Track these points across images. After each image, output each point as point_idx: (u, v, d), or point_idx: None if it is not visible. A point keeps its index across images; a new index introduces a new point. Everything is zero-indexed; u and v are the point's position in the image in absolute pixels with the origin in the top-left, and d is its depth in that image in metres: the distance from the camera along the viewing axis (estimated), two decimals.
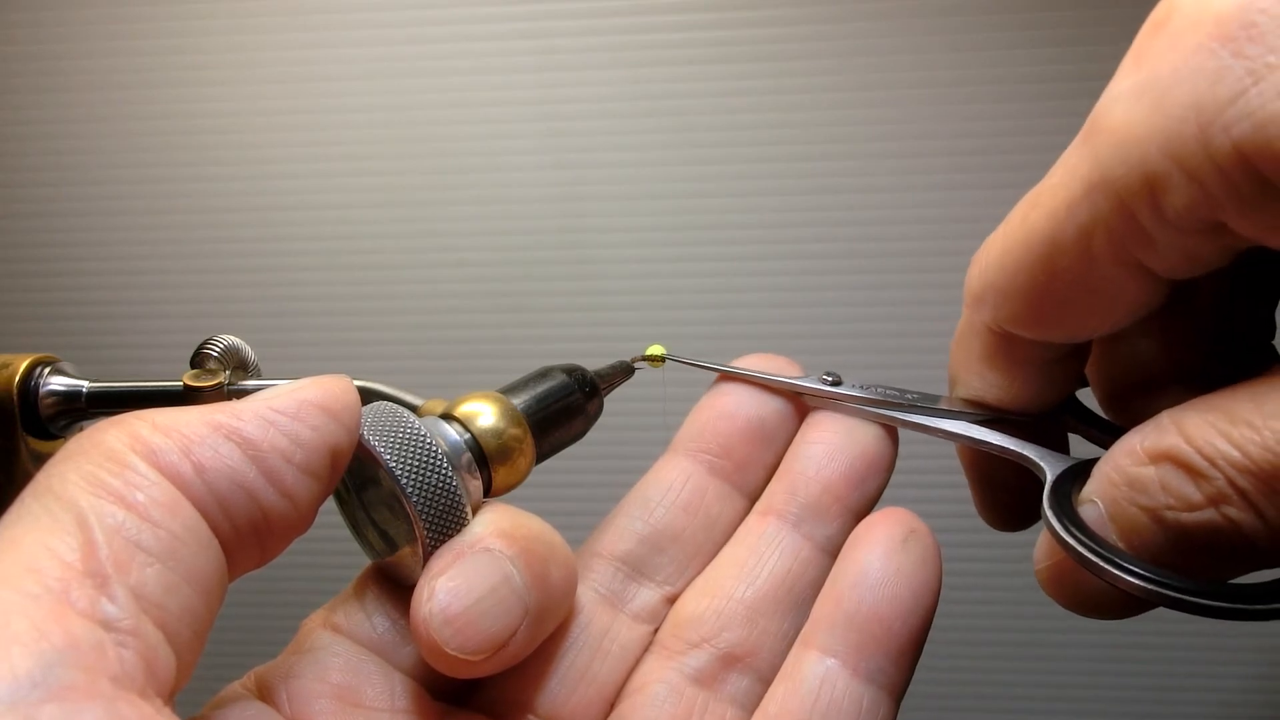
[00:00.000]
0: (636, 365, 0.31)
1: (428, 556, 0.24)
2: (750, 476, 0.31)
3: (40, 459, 0.38)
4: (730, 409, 0.31)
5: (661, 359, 0.33)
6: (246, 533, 0.21)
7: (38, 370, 0.38)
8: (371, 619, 0.26)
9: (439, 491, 0.24)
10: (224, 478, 0.20)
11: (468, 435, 0.26)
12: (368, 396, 0.31)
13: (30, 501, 0.19)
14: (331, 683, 0.24)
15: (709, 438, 0.30)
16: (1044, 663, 0.98)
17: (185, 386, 0.34)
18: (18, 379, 0.37)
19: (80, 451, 0.20)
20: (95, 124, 0.97)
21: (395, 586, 0.26)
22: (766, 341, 0.93)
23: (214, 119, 0.96)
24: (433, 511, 0.24)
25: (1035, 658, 0.97)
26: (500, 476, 0.27)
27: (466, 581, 0.23)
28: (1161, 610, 0.23)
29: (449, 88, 0.93)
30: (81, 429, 0.40)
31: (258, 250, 0.97)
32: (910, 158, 0.90)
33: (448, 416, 0.27)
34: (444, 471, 0.24)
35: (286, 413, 0.22)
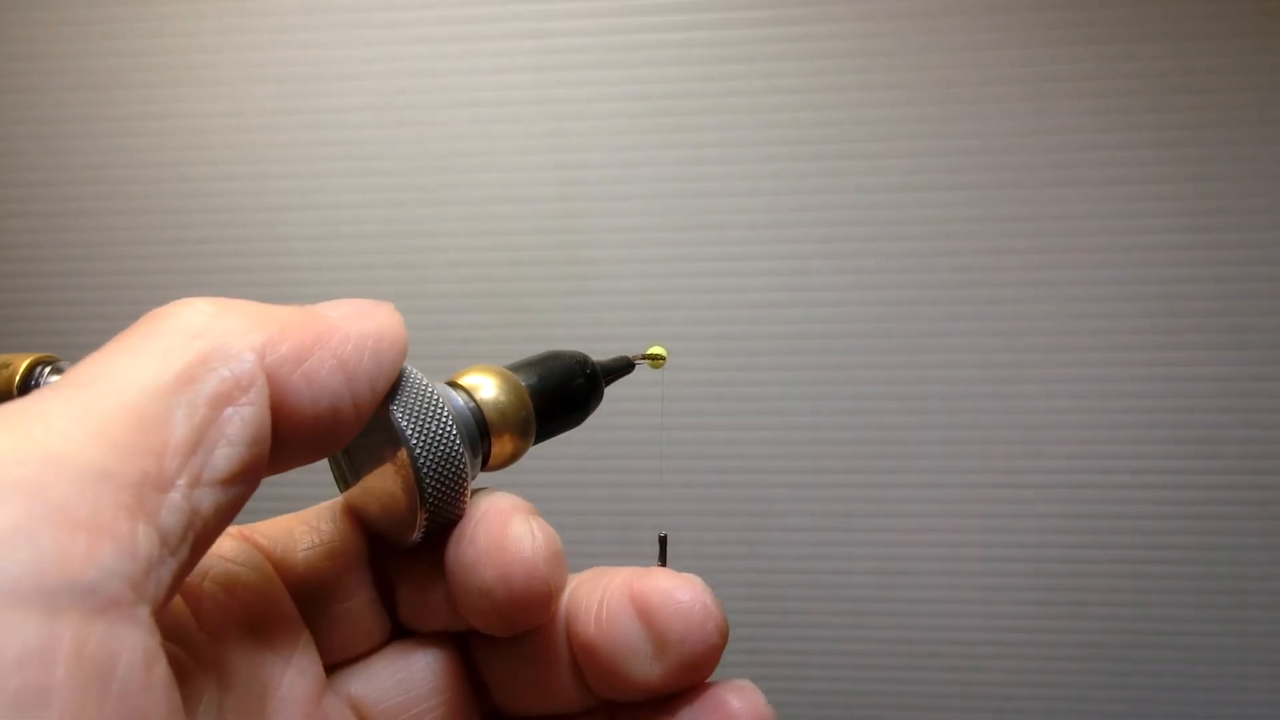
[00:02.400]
0: (637, 363, 0.31)
1: (426, 522, 0.24)
2: None
3: None
4: None
5: (662, 360, 0.33)
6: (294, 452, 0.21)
7: (38, 370, 0.38)
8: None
9: (445, 460, 0.23)
10: (323, 401, 0.20)
11: (472, 404, 0.26)
12: None
13: (148, 348, 0.18)
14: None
15: None
16: (1040, 662, 0.98)
17: None
18: (18, 379, 0.37)
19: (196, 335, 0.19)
20: (94, 124, 0.97)
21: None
22: (766, 342, 0.93)
23: (214, 119, 0.96)
24: (437, 480, 0.23)
25: (1033, 657, 0.97)
26: (499, 448, 0.26)
27: (544, 526, 0.24)
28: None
29: (449, 88, 0.93)
30: None
31: (258, 250, 0.97)
32: (910, 158, 0.90)
33: (453, 384, 0.27)
34: (452, 439, 0.24)
35: (376, 345, 0.22)
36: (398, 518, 0.24)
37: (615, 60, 0.91)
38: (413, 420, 0.23)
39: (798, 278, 0.91)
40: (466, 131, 0.94)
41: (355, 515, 0.26)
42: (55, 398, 0.16)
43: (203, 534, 0.17)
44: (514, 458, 0.27)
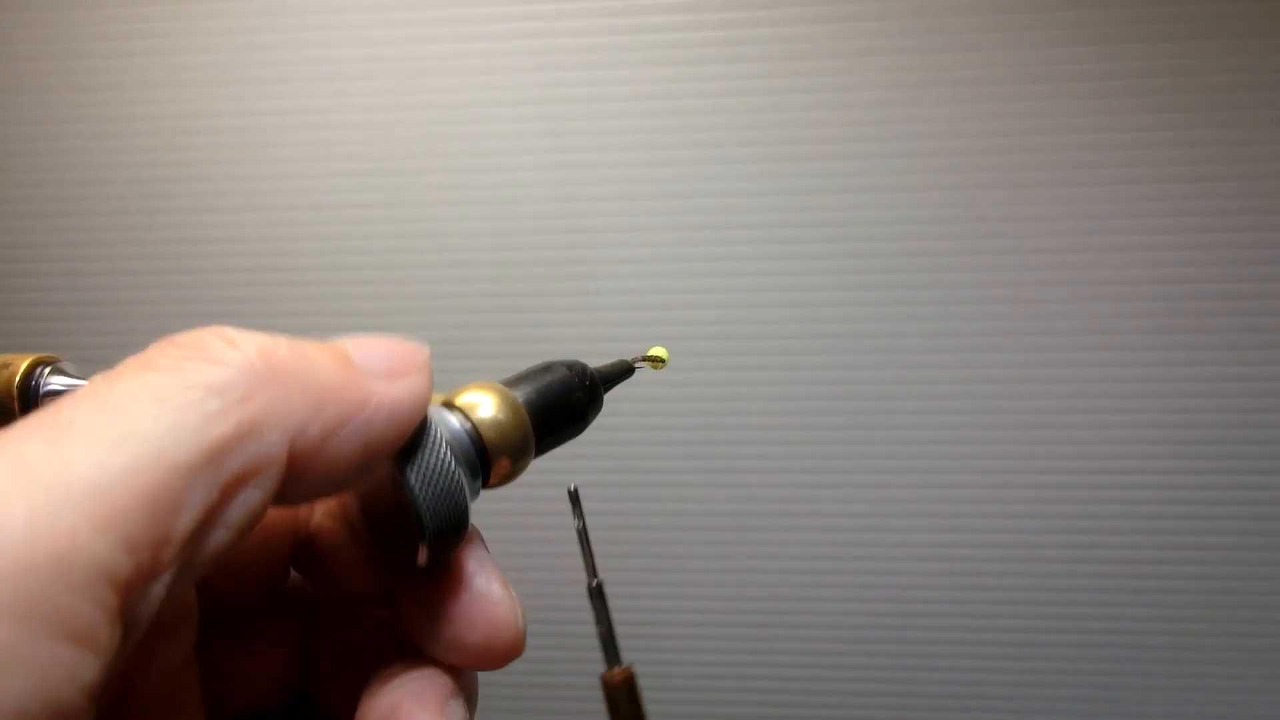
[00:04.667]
0: (637, 365, 0.31)
1: (431, 557, 0.24)
2: None
3: None
4: None
5: (663, 362, 0.32)
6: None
7: (38, 370, 0.38)
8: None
9: (446, 497, 0.24)
10: (333, 477, 0.20)
11: (469, 425, 0.26)
12: None
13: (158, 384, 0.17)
14: None
15: None
16: (1039, 662, 0.98)
17: None
18: (18, 379, 0.37)
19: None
20: (95, 124, 0.97)
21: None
22: (766, 342, 0.93)
23: (214, 119, 0.96)
24: (438, 517, 0.24)
25: (1032, 657, 0.97)
26: (499, 468, 0.26)
27: (511, 592, 0.25)
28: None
29: (449, 88, 0.93)
30: None
31: (257, 250, 0.97)
32: (909, 158, 0.90)
33: (449, 405, 0.27)
34: (453, 476, 0.24)
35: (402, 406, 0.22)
36: (399, 539, 0.25)
37: (615, 60, 0.91)
38: (419, 472, 0.23)
39: (798, 277, 0.91)
40: (469, 132, 0.94)
41: (363, 514, 0.26)
42: (82, 454, 0.16)
43: (164, 610, 0.17)
44: (515, 475, 0.27)
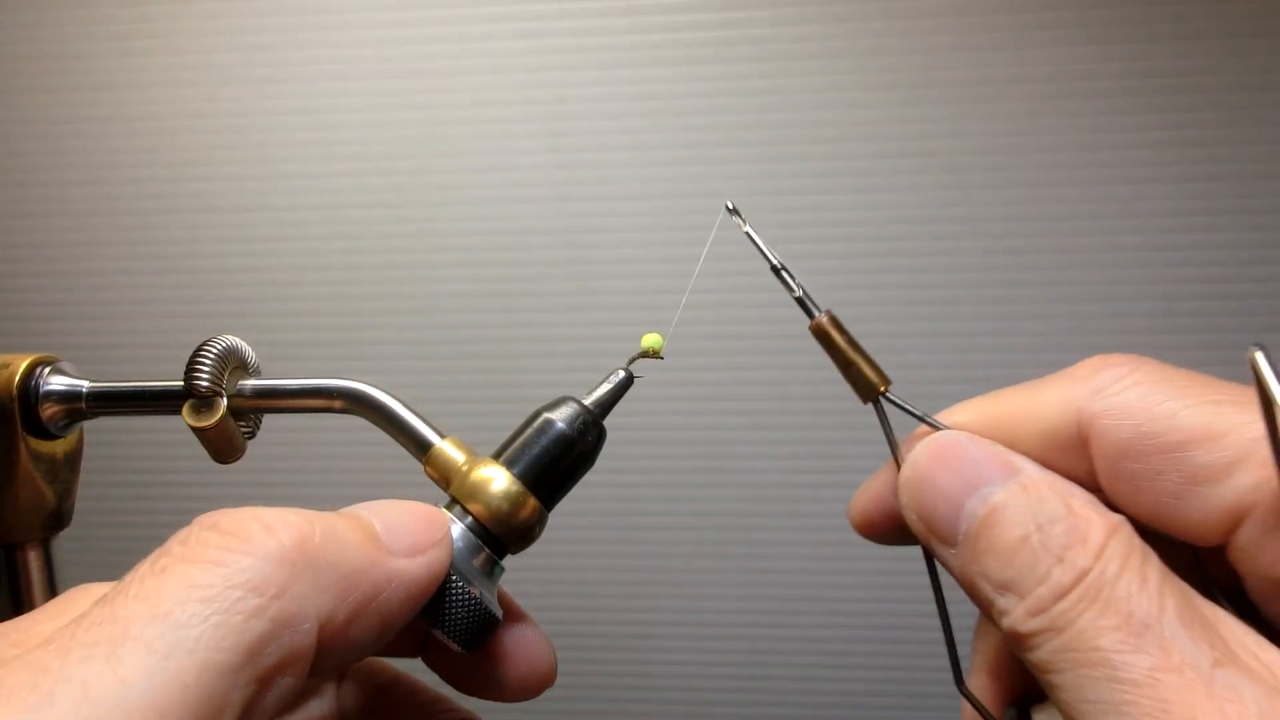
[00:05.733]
0: (636, 376, 0.30)
1: (470, 653, 0.27)
2: None
3: (40, 459, 0.38)
4: None
5: (658, 349, 0.31)
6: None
7: (38, 370, 0.38)
8: None
9: (475, 621, 0.26)
10: (355, 652, 0.23)
11: (479, 527, 0.27)
12: (387, 414, 0.31)
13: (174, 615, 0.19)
14: None
15: None
16: None
17: (185, 424, 0.34)
18: (18, 379, 0.37)
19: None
20: (95, 124, 0.97)
21: None
22: (766, 342, 0.93)
23: (214, 119, 0.96)
24: (472, 637, 0.26)
25: None
26: (515, 547, 0.28)
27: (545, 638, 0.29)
28: None
29: (449, 88, 0.93)
30: (81, 429, 0.40)
31: (257, 250, 0.97)
32: (910, 158, 0.90)
33: (453, 503, 0.27)
34: (477, 605, 0.26)
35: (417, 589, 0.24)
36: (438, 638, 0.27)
37: (615, 60, 0.91)
38: (447, 621, 0.26)
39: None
40: (469, 132, 0.94)
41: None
42: (137, 672, 0.17)
43: None
44: (530, 543, 0.28)
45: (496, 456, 0.28)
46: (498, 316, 0.96)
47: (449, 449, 0.30)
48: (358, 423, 0.33)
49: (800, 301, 0.28)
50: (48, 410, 0.38)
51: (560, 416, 0.28)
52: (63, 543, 0.41)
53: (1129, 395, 0.23)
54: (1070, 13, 0.86)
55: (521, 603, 0.30)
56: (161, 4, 0.94)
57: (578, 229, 0.94)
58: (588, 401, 0.29)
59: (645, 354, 0.31)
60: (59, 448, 0.39)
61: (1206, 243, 0.88)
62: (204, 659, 0.18)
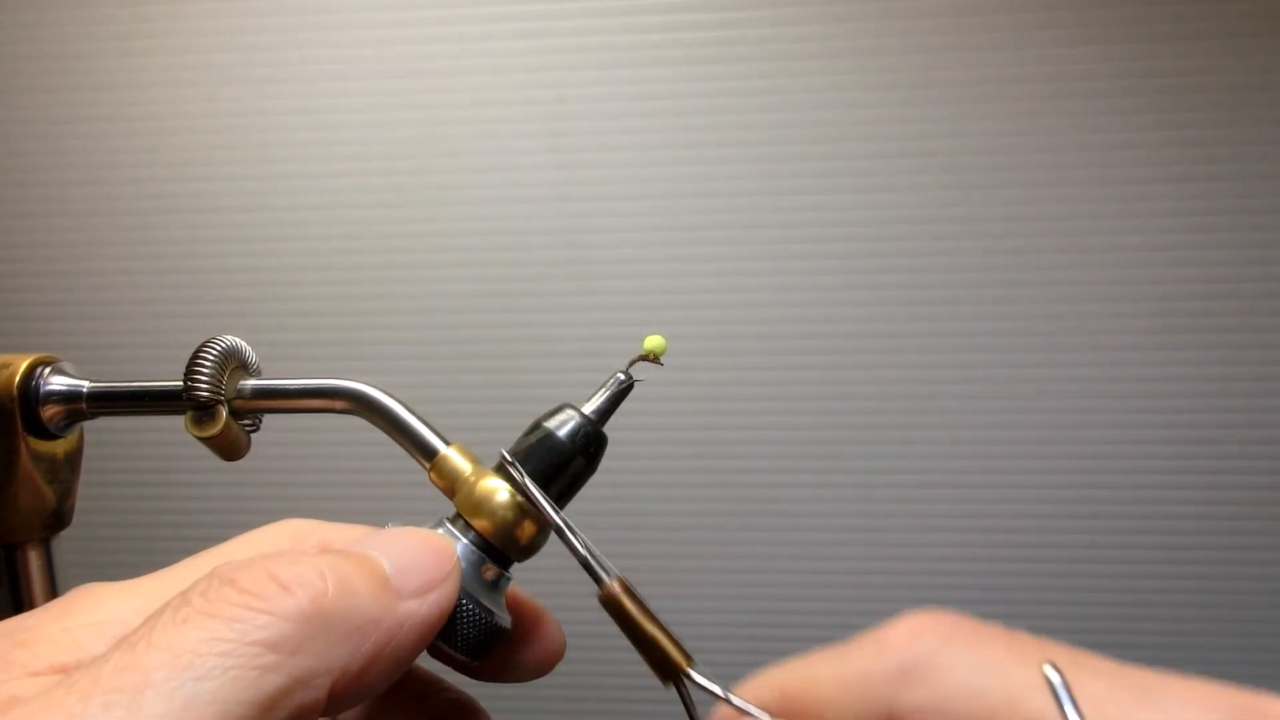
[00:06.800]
0: (636, 379, 0.30)
1: (482, 664, 0.27)
2: None
3: (40, 459, 0.38)
4: None
5: (661, 352, 0.30)
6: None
7: (38, 370, 0.38)
8: None
9: (486, 637, 0.26)
10: (366, 694, 0.23)
11: (484, 543, 0.27)
12: (392, 418, 0.31)
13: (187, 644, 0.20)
14: None
15: None
16: None
17: (189, 433, 0.34)
18: (18, 379, 0.37)
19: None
20: (95, 124, 0.97)
21: None
22: (766, 342, 0.93)
23: (214, 119, 0.96)
24: (483, 651, 0.27)
25: None
26: (519, 558, 0.28)
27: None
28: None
29: (449, 88, 0.93)
30: (81, 429, 0.40)
31: (257, 250, 0.97)
32: (910, 158, 0.90)
33: (455, 519, 0.28)
34: (487, 623, 0.26)
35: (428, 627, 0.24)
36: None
37: (615, 60, 0.91)
38: (459, 641, 0.26)
39: (798, 277, 0.91)
40: (469, 132, 0.94)
41: None
42: (154, 718, 0.18)
43: None
44: (537, 550, 0.29)
45: (498, 469, 0.28)
46: (498, 316, 0.96)
47: (455, 457, 0.29)
48: (357, 422, 0.33)
49: (585, 564, 0.26)
50: (48, 410, 0.38)
51: (560, 428, 0.28)
52: (63, 543, 0.41)
53: (943, 682, 0.21)
54: (1070, 13, 0.86)
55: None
56: (161, 4, 0.94)
57: (578, 229, 0.94)
58: (587, 409, 0.29)
59: (646, 357, 0.30)
60: (59, 448, 0.39)
61: (1206, 243, 0.88)
62: (220, 711, 0.19)
